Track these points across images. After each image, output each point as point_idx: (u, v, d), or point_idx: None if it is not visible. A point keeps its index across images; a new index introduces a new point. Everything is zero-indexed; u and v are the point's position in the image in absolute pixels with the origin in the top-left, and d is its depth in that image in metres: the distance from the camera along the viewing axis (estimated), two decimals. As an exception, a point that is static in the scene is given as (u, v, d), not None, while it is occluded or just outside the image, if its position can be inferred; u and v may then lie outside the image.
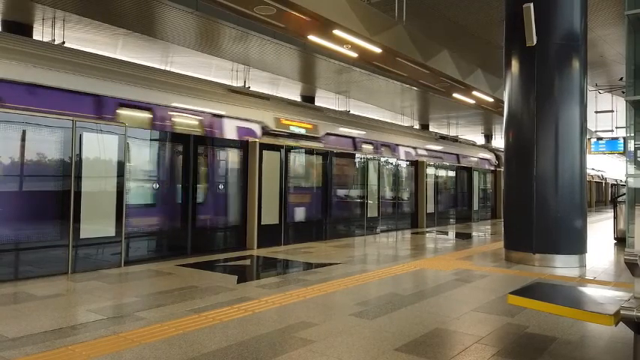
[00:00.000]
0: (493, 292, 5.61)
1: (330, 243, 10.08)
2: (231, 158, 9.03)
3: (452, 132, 28.78)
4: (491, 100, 17.18)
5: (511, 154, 8.08)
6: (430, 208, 14.52)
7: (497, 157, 21.59)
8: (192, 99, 8.74)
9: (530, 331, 4.11)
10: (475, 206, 17.52)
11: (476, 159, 19.95)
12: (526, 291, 3.72)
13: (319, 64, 14.87)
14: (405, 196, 14.03)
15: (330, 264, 7.36)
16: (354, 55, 11.20)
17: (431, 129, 26.34)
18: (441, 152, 17.25)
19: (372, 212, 12.14)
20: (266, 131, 9.89)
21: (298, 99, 19.26)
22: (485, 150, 21.83)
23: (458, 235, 12.55)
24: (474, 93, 16.10)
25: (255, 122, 9.72)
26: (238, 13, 8.87)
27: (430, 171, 14.65)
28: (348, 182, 11.86)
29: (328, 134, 11.75)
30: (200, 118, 8.75)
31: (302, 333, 3.90)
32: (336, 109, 17.60)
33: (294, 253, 8.58)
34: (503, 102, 8.32)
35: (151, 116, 7.95)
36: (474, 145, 21.88)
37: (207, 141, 8.73)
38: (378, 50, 10.75)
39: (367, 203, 11.98)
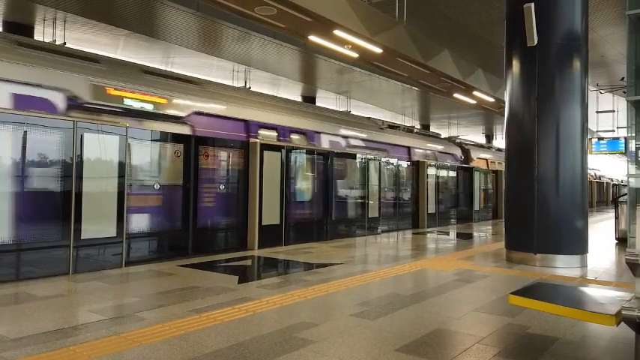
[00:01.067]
0: (494, 292, 5.60)
1: (331, 243, 10.09)
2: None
3: (453, 132, 28.76)
4: (492, 100, 17.17)
5: (512, 154, 8.07)
6: (431, 209, 14.52)
7: (465, 152, 20.02)
8: None
9: (532, 332, 4.10)
10: (476, 206, 17.51)
11: (435, 153, 17.55)
12: (527, 291, 3.72)
13: (320, 65, 14.88)
14: (406, 196, 14.02)
15: (331, 264, 7.36)
16: (355, 55, 11.22)
17: (432, 129, 26.20)
18: (384, 144, 14.66)
19: (372, 212, 12.14)
20: (78, 104, 7.15)
21: (299, 99, 19.18)
22: (450, 143, 19.87)
23: (459, 236, 12.55)
24: (475, 93, 16.11)
25: (53, 90, 6.91)
26: (239, 13, 8.89)
27: (431, 171, 14.64)
28: (351, 181, 11.85)
29: (198, 114, 8.94)
30: None
31: (303, 333, 3.90)
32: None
33: (295, 253, 8.59)
34: (504, 102, 8.31)
35: None
36: (436, 137, 19.41)
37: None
38: (378, 50, 10.77)
39: (368, 203, 11.99)
